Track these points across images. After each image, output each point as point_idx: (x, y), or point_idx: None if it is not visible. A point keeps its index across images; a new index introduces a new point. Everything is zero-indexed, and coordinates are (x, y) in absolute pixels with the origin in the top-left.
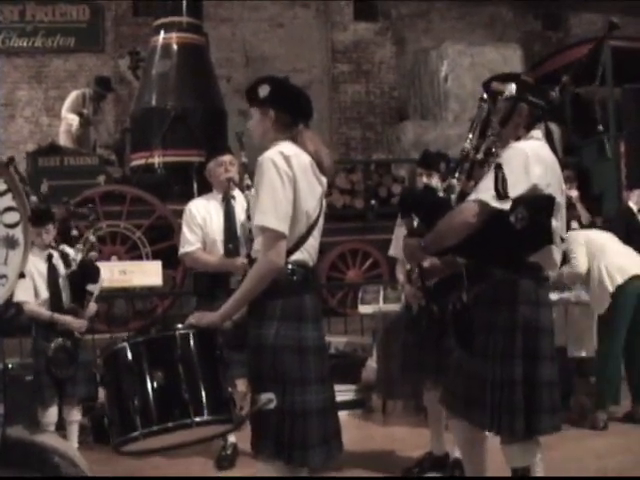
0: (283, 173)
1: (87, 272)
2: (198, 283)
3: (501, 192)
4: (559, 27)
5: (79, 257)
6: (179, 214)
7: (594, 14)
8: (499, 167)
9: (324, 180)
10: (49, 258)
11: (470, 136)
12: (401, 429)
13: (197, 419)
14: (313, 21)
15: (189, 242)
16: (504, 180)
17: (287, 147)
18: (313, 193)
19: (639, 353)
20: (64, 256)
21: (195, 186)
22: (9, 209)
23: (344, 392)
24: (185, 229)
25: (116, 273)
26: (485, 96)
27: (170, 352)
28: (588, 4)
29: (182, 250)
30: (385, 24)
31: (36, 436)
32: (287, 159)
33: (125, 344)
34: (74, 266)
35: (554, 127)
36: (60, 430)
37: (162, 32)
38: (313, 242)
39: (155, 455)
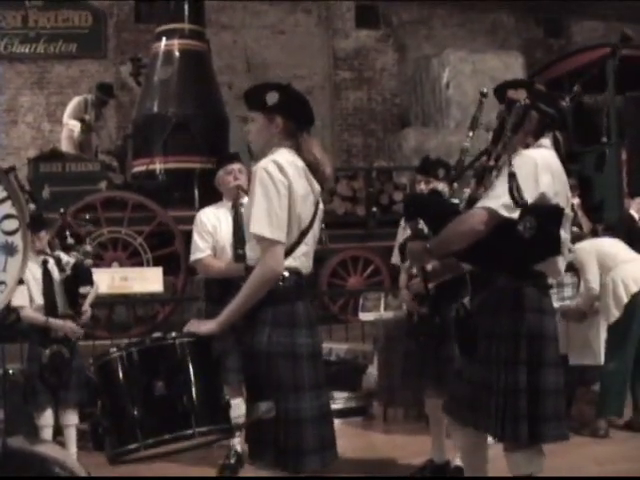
0: (278, 182)
1: (80, 275)
2: (209, 289)
3: (517, 200)
4: (561, 34)
5: (72, 261)
6: (180, 220)
7: (596, 21)
8: (513, 176)
9: (317, 187)
10: (44, 264)
11: (470, 134)
12: (402, 436)
13: (197, 429)
14: (315, 28)
15: (200, 249)
16: (519, 188)
17: (281, 155)
18: (306, 200)
19: None
20: (58, 262)
21: (196, 192)
22: (8, 216)
23: (345, 399)
24: (196, 236)
25: (117, 279)
26: (485, 90)
27: (165, 361)
28: (590, 11)
29: (193, 257)
30: (387, 31)
31: (36, 446)
32: (281, 167)
33: (119, 354)
34: (68, 271)
35: (558, 136)
36: (59, 435)
37: (164, 39)
38: (305, 249)
39: (156, 464)
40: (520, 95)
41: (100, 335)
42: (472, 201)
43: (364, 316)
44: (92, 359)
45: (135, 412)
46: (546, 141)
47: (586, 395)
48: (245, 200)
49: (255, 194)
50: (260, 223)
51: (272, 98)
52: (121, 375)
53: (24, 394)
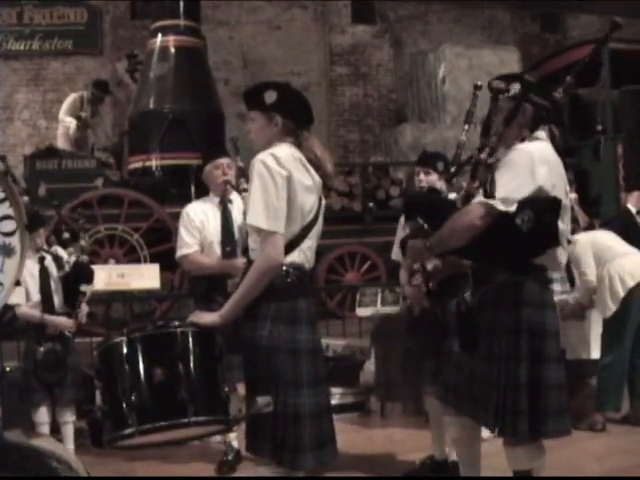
0: (275, 173)
1: (81, 273)
2: (195, 286)
3: (488, 192)
4: (557, 29)
5: (72, 259)
6: (177, 217)
7: (592, 16)
8: (490, 168)
9: (318, 180)
10: (41, 261)
11: (466, 127)
12: (400, 431)
13: (194, 419)
14: (311, 24)
15: (187, 245)
16: (492, 182)
17: (280, 149)
18: (308, 191)
19: None
20: (56, 259)
21: (193, 189)
22: (6, 217)
23: (343, 395)
24: (183, 232)
25: (114, 276)
26: (479, 83)
27: (167, 349)
28: (586, 6)
29: (180, 253)
30: (383, 26)
31: (33, 440)
32: (278, 160)
33: (121, 339)
34: (67, 268)
35: (553, 129)
36: (56, 433)
37: (160, 35)
38: (310, 243)
39: (153, 459)
40: (512, 87)
41: (97, 332)
42: (468, 197)
43: (361, 312)
44: (95, 345)
45: (133, 398)
46: (542, 134)
47: (584, 389)
48: (233, 195)
49: (253, 186)
50: (257, 215)
51: (270, 97)
52: (122, 361)
53: (20, 392)
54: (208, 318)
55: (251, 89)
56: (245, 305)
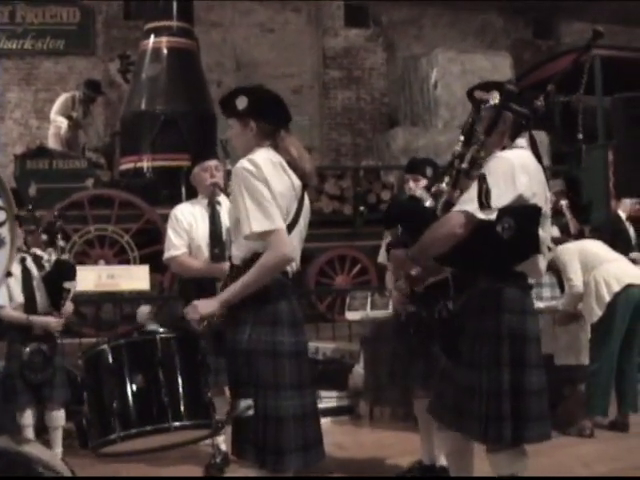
0: (258, 176)
1: (63, 270)
2: (185, 288)
3: (484, 203)
4: (549, 35)
5: (53, 258)
6: (167, 218)
7: (585, 23)
8: (483, 178)
9: (297, 182)
10: (22, 261)
11: (462, 138)
12: (389, 435)
13: (175, 423)
14: (304, 27)
15: (175, 246)
16: (488, 192)
17: (258, 154)
18: (286, 195)
19: (629, 362)
20: (36, 259)
21: (184, 190)
22: None
23: (332, 398)
24: (171, 233)
25: (104, 277)
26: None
27: (151, 355)
28: (579, 13)
29: (167, 254)
30: (376, 30)
31: (21, 446)
32: (257, 165)
33: (106, 346)
34: (47, 268)
35: (543, 135)
36: (43, 435)
37: (152, 36)
38: None
39: (142, 461)
40: (492, 96)
41: (87, 333)
42: (448, 205)
43: (351, 315)
44: (80, 353)
45: (117, 404)
46: (522, 141)
47: (573, 395)
48: (222, 197)
49: (240, 194)
50: (254, 220)
51: (242, 103)
52: (106, 368)
53: (4, 393)
54: (206, 307)
55: (224, 97)
56: (245, 294)
